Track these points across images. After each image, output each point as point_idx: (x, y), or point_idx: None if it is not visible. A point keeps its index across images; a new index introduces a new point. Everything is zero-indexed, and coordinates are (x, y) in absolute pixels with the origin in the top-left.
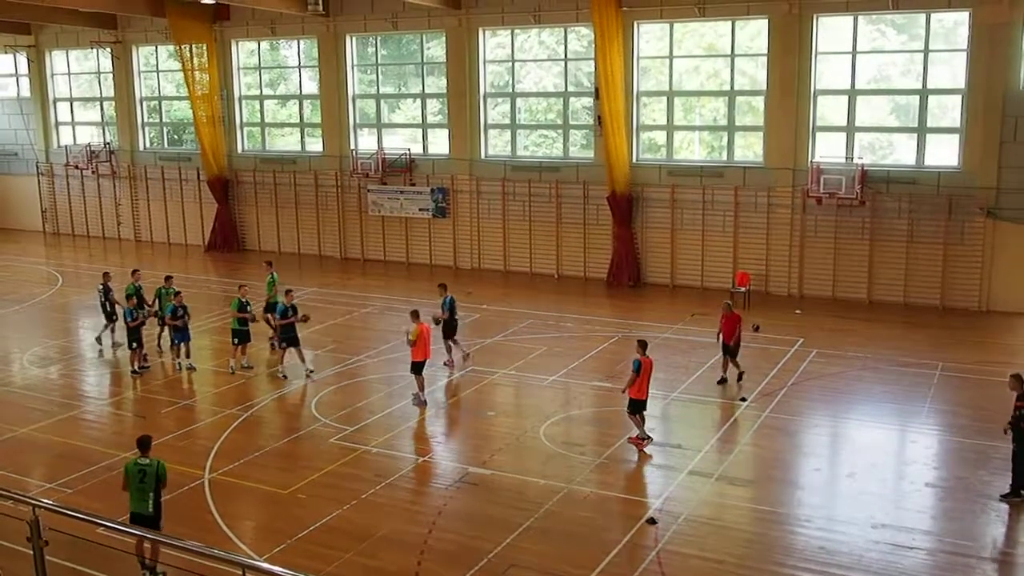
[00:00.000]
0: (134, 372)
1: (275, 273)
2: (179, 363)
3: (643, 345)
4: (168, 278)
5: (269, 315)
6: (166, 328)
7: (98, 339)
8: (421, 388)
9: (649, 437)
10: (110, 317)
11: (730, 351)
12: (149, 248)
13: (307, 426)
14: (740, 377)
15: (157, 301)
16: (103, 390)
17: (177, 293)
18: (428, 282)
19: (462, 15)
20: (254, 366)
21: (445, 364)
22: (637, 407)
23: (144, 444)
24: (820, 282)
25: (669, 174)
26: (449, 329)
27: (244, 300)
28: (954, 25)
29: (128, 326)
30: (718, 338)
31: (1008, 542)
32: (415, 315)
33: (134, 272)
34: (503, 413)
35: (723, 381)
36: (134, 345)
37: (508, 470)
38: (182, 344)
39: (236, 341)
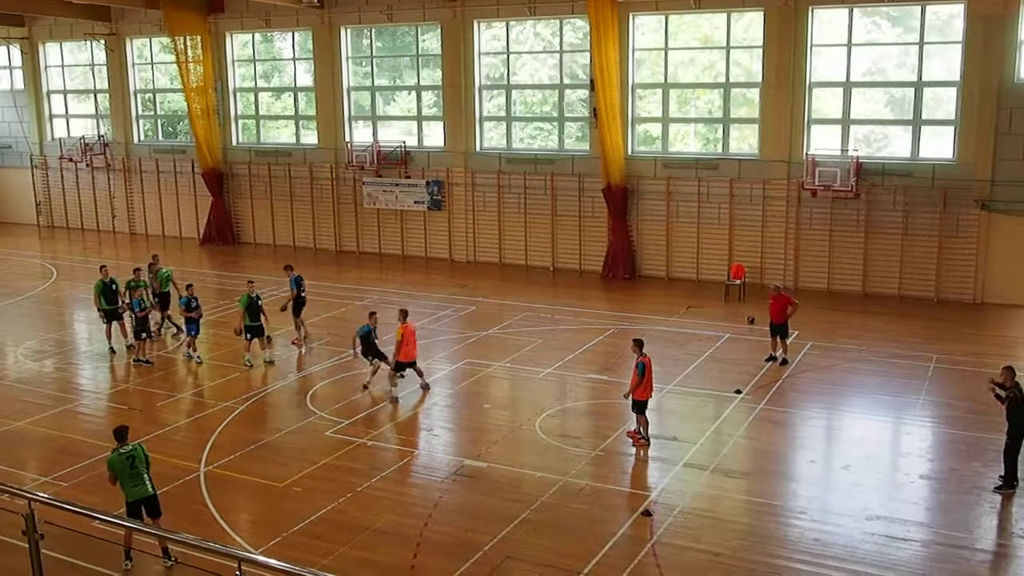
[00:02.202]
0: (137, 361)
1: (164, 268)
2: (189, 353)
3: (640, 344)
4: (136, 270)
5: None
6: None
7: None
8: (393, 383)
9: (648, 441)
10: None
11: (779, 331)
12: (144, 241)
13: (302, 419)
14: (784, 362)
15: (128, 293)
16: (98, 383)
17: (189, 286)
18: (423, 275)
19: (457, 7)
20: (274, 360)
21: (293, 343)
22: (643, 407)
23: (120, 434)
24: (815, 274)
25: (664, 166)
26: (297, 307)
27: (254, 296)
28: (949, 17)
29: (136, 316)
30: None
31: (1001, 533)
32: (403, 314)
33: (127, 270)
34: (499, 406)
35: (772, 359)
36: (143, 335)
37: (504, 463)
38: (195, 336)
39: (249, 336)
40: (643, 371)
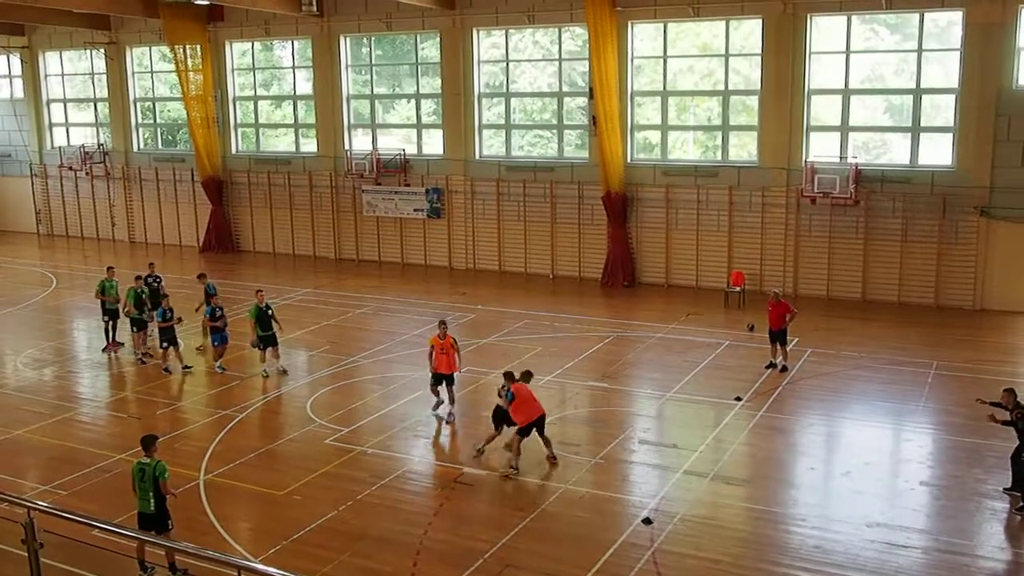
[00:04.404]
0: (166, 370)
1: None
2: (220, 366)
3: (510, 376)
4: (138, 277)
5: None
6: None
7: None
8: (437, 397)
9: (516, 469)
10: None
11: (779, 337)
12: (143, 249)
13: (302, 427)
14: (783, 369)
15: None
16: (98, 392)
17: (215, 294)
18: (423, 283)
19: (456, 15)
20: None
21: (198, 349)
22: (520, 429)
23: (145, 443)
24: (814, 281)
25: (664, 174)
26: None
27: (263, 306)
28: (947, 24)
29: (159, 326)
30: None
31: (1003, 540)
32: (444, 325)
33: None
34: None
35: (771, 366)
36: (165, 344)
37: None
38: (221, 346)
39: (262, 346)
40: (512, 398)
